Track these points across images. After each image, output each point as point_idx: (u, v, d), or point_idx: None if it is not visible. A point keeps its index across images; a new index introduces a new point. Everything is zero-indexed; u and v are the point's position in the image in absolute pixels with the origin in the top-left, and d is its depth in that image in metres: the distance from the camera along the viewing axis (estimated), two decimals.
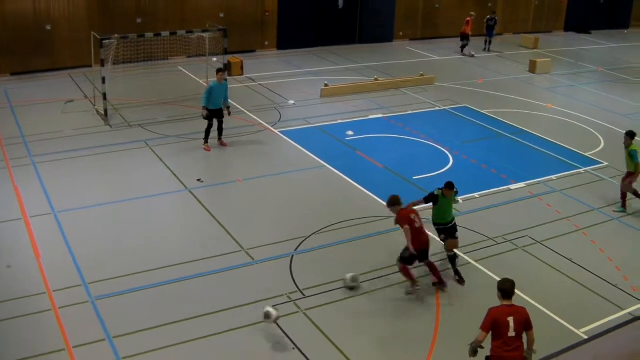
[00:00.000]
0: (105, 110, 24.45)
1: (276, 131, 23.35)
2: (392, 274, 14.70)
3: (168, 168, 20.15)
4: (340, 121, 24.55)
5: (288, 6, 36.19)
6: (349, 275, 14.33)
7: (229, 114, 22.04)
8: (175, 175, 19.65)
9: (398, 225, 13.94)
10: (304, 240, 16.07)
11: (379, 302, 13.90)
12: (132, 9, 32.97)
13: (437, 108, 26.85)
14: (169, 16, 33.30)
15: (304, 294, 13.97)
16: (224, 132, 22.04)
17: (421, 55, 37.00)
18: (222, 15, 34.17)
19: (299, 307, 13.54)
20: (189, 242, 16.08)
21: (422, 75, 30.69)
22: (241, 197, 18.56)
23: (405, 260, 13.97)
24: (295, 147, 21.97)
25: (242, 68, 31.02)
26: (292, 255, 15.41)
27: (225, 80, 22.02)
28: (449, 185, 14.55)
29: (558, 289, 14.72)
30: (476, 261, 15.46)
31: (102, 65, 24.28)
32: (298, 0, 36.35)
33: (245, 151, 21.69)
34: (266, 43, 36.52)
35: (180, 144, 22.03)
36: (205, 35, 27.08)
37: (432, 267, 14.34)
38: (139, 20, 32.85)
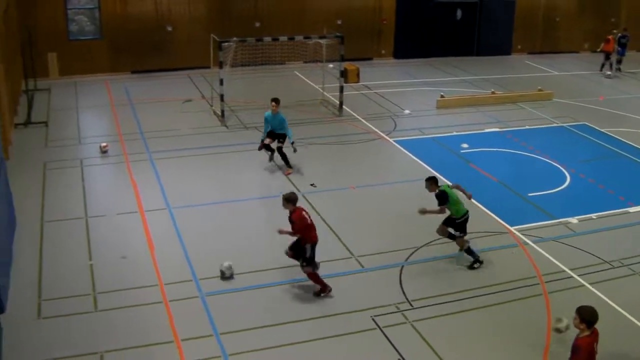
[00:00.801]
0: (222, 111, 24.92)
1: (391, 140, 23.29)
2: (506, 290, 14.44)
3: (281, 171, 20.36)
4: (455, 133, 24.31)
5: (405, 15, 36.16)
6: (226, 264, 14.62)
7: (294, 150, 20.47)
8: (288, 179, 19.83)
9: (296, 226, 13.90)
10: (414, 251, 15.94)
11: (487, 319, 13.61)
12: (251, 13, 33.55)
13: (555, 124, 26.24)
14: (287, 21, 33.70)
15: (412, 305, 13.84)
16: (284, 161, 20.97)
17: (539, 69, 36.27)
18: (339, 22, 34.36)
19: (406, 318, 13.42)
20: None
21: (540, 90, 30.10)
22: (353, 204, 18.57)
23: (310, 261, 13.98)
24: (409, 157, 21.85)
25: (358, 75, 31.10)
26: (402, 266, 15.30)
27: (280, 113, 20.62)
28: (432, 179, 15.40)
29: None
30: (590, 284, 14.98)
31: (221, 67, 24.77)
32: (415, 9, 36.26)
33: (359, 159, 21.71)
34: (383, 51, 36.56)
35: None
36: (323, 41, 27.25)
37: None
38: (257, 24, 33.37)
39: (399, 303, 13.89)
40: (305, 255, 14.00)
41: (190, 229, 16.77)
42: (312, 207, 17.95)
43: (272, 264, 15.24)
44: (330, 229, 16.95)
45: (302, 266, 14.10)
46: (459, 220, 15.36)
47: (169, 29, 32.54)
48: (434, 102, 27.64)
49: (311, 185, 19.26)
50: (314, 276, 14.13)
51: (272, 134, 20.49)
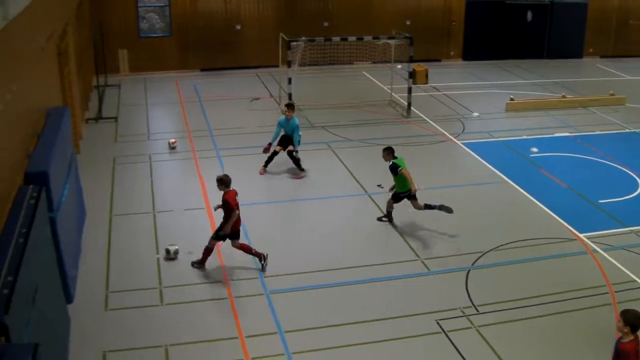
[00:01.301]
0: None
1: (458, 142, 23.03)
2: (574, 299, 14.09)
3: (349, 171, 20.30)
4: (524, 137, 23.90)
5: (475, 17, 35.80)
6: (172, 248, 15.32)
7: (295, 152, 20.17)
8: (355, 179, 19.75)
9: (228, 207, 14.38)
10: (481, 256, 15.71)
11: (554, 327, 13.29)
12: (320, 13, 33.59)
13: (627, 130, 25.61)
14: (355, 21, 33.63)
15: (478, 310, 13.62)
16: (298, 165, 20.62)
17: (612, 73, 35.45)
18: (408, 22, 34.19)
19: (472, 323, 13.22)
20: (364, 246, 16.09)
21: (612, 94, 29.43)
22: None
23: (220, 238, 14.68)
24: (477, 159, 21.58)
25: (426, 76, 30.87)
26: (469, 270, 15.08)
27: (295, 118, 20.39)
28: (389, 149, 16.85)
29: None
30: None
31: (289, 66, 24.83)
32: (485, 11, 35.87)
33: (426, 160, 21.51)
34: (451, 53, 36.25)
35: (361, 149, 22.17)
36: (391, 42, 27.09)
37: (244, 248, 14.98)
38: (325, 24, 33.37)
39: (464, 307, 13.69)
40: (219, 230, 14.69)
41: (256, 226, 16.79)
42: (379, 208, 17.86)
43: (336, 264, 15.20)
44: (396, 230, 16.82)
45: (212, 237, 14.80)
46: (403, 195, 16.67)
47: (238, 27, 32.75)
48: (503, 104, 27.23)
49: (378, 186, 19.13)
50: (208, 251, 14.80)
51: (283, 141, 20.22)
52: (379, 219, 17.34)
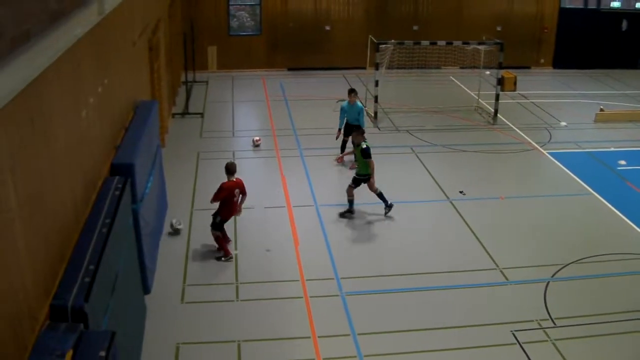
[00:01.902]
0: (375, 113, 24.95)
1: (545, 152, 22.61)
2: None
3: (431, 176, 20.16)
4: (612, 149, 23.29)
5: (568, 24, 35.04)
6: (174, 220, 16.35)
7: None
8: (437, 184, 19.60)
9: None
10: (562, 268, 15.39)
11: (632, 346, 12.86)
12: (410, 16, 33.47)
13: None
14: (445, 25, 33.41)
15: (555, 323, 13.35)
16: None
17: None
18: (499, 28, 33.73)
19: (548, 336, 12.96)
20: (443, 253, 15.95)
21: None
22: (501, 214, 18.12)
23: (217, 226, 15.15)
24: (563, 170, 21.13)
25: (515, 84, 30.41)
26: (548, 282, 14.80)
27: (358, 103, 21.24)
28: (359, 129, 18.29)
29: None
30: None
31: (377, 68, 24.83)
32: (579, 18, 35.11)
33: (510, 168, 21.21)
34: (542, 60, 35.60)
35: (445, 154, 21.99)
36: (481, 47, 26.80)
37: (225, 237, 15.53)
38: (415, 28, 33.21)
39: (541, 320, 13.44)
40: (215, 220, 15.19)
41: (334, 227, 16.85)
42: (460, 215, 17.69)
43: (412, 269, 15.14)
44: (477, 238, 16.62)
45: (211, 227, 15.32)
46: (363, 179, 17.38)
47: (327, 28, 32.86)
48: (592, 115, 26.60)
49: (460, 192, 18.96)
50: (220, 239, 15.27)
51: (347, 129, 20.76)
52: (341, 215, 17.56)
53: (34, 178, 7.76)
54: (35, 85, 7.70)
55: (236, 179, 15.18)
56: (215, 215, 15.23)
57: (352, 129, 20.20)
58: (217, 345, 12.31)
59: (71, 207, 9.44)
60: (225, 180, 15.12)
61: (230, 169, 15.13)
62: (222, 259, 15.11)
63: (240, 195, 15.29)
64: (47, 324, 7.71)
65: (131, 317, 11.41)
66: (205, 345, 12.30)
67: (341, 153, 21.25)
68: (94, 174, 11.11)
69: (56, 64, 8.56)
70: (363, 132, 18.01)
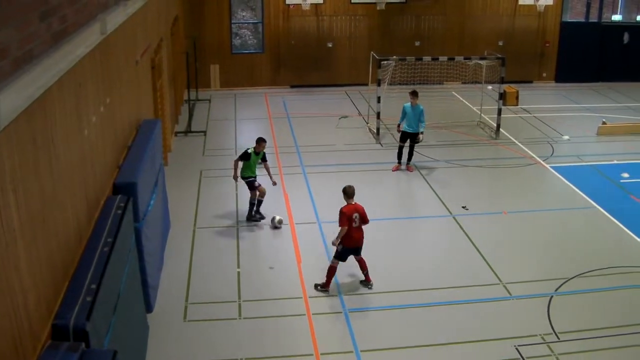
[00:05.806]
0: (378, 129, 24.99)
1: (547, 166, 22.63)
2: None
3: (434, 191, 20.17)
4: (616, 162, 23.28)
5: (570, 38, 35.07)
6: (277, 218, 17.51)
7: (419, 140, 21.75)
8: (440, 200, 19.61)
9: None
10: (565, 282, 15.37)
11: None
12: (411, 32, 33.57)
13: None
14: (447, 41, 33.54)
15: (559, 338, 13.32)
16: (413, 159, 22.18)
17: None
18: (500, 43, 33.82)
19: (552, 351, 12.93)
20: (446, 268, 15.94)
21: None
22: (504, 229, 18.11)
23: (337, 254, 14.58)
24: (566, 184, 21.13)
25: (517, 98, 30.45)
26: (552, 296, 14.78)
27: (420, 105, 21.68)
28: (260, 140, 18.04)
29: None
30: None
31: (379, 84, 24.87)
32: (580, 33, 35.16)
33: (513, 183, 21.21)
34: (544, 74, 35.62)
35: (448, 169, 22.01)
36: (483, 62, 26.87)
37: (362, 263, 14.90)
38: (417, 44, 33.32)
39: (545, 334, 13.42)
40: (337, 250, 14.59)
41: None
42: (463, 230, 17.69)
43: (415, 285, 15.15)
44: (479, 253, 16.61)
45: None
46: (250, 180, 17.81)
47: (329, 45, 32.97)
48: (595, 128, 26.61)
49: (463, 207, 18.98)
50: (331, 270, 14.62)
51: (404, 136, 21.64)
52: (249, 219, 18.09)
53: (37, 197, 7.80)
54: (38, 105, 7.75)
55: (355, 203, 14.58)
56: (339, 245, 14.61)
57: (412, 135, 21.30)
58: None
59: (73, 226, 9.47)
60: (344, 204, 14.57)
61: (348, 192, 14.49)
62: (319, 287, 14.80)
63: (358, 220, 14.45)
64: (49, 343, 7.72)
65: (133, 336, 11.41)
66: None
67: (397, 160, 22.05)
68: (97, 193, 11.14)
69: (59, 84, 8.62)
70: (261, 139, 18.37)
